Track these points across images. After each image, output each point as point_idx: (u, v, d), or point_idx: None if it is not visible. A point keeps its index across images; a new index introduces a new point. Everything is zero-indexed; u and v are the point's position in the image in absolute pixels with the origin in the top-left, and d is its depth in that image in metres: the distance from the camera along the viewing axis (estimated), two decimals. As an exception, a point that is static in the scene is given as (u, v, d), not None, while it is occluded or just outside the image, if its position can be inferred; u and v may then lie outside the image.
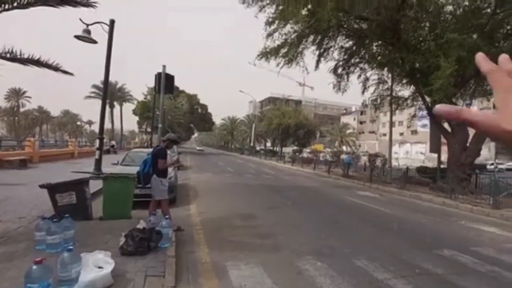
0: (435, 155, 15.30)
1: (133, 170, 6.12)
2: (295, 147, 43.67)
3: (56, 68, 5.24)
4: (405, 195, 11.91)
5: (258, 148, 50.33)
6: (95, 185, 6.65)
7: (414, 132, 53.66)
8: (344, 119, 74.26)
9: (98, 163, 8.90)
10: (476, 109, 0.43)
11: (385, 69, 15.46)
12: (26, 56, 4.67)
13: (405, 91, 15.65)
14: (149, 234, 3.62)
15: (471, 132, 12.49)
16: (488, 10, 11.28)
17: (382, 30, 12.57)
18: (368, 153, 23.60)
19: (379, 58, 14.43)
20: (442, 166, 15.27)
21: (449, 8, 11.84)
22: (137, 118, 42.92)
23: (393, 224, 6.89)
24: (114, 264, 2.89)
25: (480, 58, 0.42)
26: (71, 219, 3.77)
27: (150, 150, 7.50)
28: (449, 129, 13.05)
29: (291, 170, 23.49)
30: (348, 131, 59.80)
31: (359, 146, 61.03)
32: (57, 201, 4.62)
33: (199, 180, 12.11)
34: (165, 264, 3.35)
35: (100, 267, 2.80)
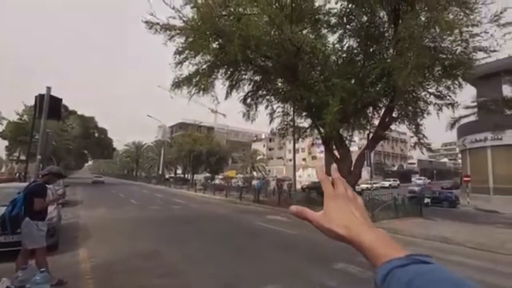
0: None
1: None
2: (207, 174, 43.14)
3: None
4: (307, 216, 13.10)
5: (167, 176, 47.34)
6: None
7: (314, 157, 61.23)
8: (255, 146, 78.73)
9: None
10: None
11: (288, 102, 17.45)
12: None
13: (305, 123, 17.90)
14: (12, 296, 2.75)
15: (354, 157, 15.12)
16: (359, 63, 14.36)
17: (283, 69, 14.26)
18: (277, 177, 25.39)
19: (282, 93, 16.20)
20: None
21: (333, 57, 14.50)
22: (5, 142, 34.37)
23: (295, 244, 7.41)
24: None
25: (319, 173, 0.59)
26: None
27: (23, 184, 5.98)
28: (338, 156, 15.40)
29: (203, 198, 22.86)
30: (258, 157, 63.26)
31: (269, 171, 65.21)
32: None
33: (92, 218, 10.35)
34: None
35: None
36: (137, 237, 8.04)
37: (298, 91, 13.59)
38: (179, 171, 51.08)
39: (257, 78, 16.88)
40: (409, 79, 10.22)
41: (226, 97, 15.86)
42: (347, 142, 16.11)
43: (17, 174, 26.19)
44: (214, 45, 12.19)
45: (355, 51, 14.47)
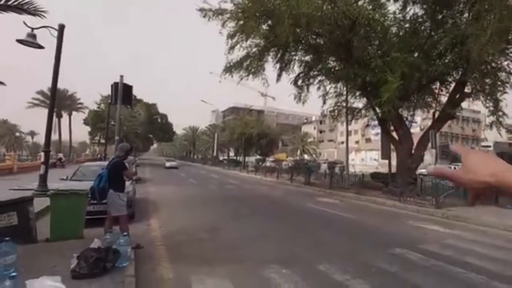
0: (386, 161, 16.64)
1: (85, 185, 5.66)
2: (258, 156, 44.18)
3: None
4: (361, 199, 12.68)
5: (221, 158, 49.84)
6: (40, 204, 6.02)
7: (368, 140, 57.79)
8: (305, 128, 77.28)
9: (43, 178, 8.05)
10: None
11: (340, 82, 16.60)
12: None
13: (359, 103, 16.91)
14: (105, 253, 3.37)
15: (415, 139, 13.88)
16: (425, 33, 12.80)
17: (336, 46, 13.50)
18: (328, 160, 24.83)
19: (334, 72, 15.44)
20: (392, 171, 16.63)
21: (394, 29, 13.17)
22: (88, 128, 39.93)
23: (351, 228, 7.30)
24: (65, 289, 2.63)
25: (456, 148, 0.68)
26: (12, 243, 3.35)
27: (105, 163, 7.01)
28: (397, 138, 14.31)
29: (255, 179, 23.63)
30: (309, 140, 62.18)
31: (320, 154, 63.84)
32: (-7, 223, 4.07)
33: (159, 194, 11.61)
34: (123, 285, 3.14)
35: (48, 294, 2.52)
36: (197, 212, 8.82)
37: (352, 69, 12.80)
38: (231, 154, 53.34)
39: (308, 58, 16.31)
40: (487, 47, 8.81)
41: (278, 80, 15.74)
42: (407, 122, 14.79)
43: (99, 155, 30.58)
44: (264, 26, 12.08)
45: (420, 19, 12.90)
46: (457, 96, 13.13)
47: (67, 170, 13.03)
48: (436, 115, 13.52)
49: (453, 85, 13.62)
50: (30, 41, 7.71)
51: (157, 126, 45.85)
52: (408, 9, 12.92)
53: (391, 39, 12.99)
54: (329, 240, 6.08)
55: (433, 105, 14.72)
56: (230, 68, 14.40)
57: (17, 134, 73.66)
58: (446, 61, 12.56)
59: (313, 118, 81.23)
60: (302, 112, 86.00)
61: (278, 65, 15.54)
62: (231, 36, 12.63)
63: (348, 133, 16.61)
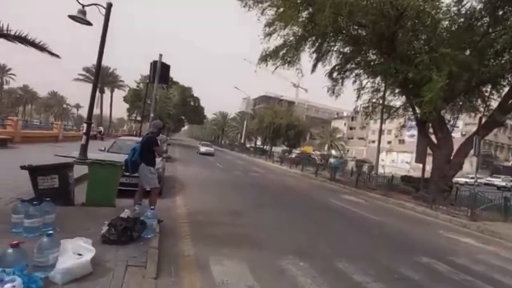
0: (420, 165, 15.70)
1: (120, 158, 5.99)
2: (284, 147, 43.93)
3: (42, 48, 5.04)
4: (389, 202, 12.16)
5: (248, 145, 50.27)
6: (79, 171, 6.48)
7: (402, 141, 54.87)
8: (335, 123, 75.15)
9: (84, 148, 8.61)
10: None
11: (379, 77, 15.74)
12: (13, 33, 4.48)
13: (397, 101, 15.98)
14: (133, 223, 3.56)
15: (456, 145, 12.89)
16: (481, 29, 11.61)
17: (378, 38, 12.74)
18: (356, 158, 24.05)
19: (373, 66, 14.64)
20: (425, 176, 15.69)
21: (445, 23, 12.11)
22: (127, 105, 42.09)
23: (375, 229, 7.04)
24: (95, 252, 2.82)
25: None
26: (52, 203, 3.66)
27: (139, 139, 7.36)
28: (435, 141, 13.39)
29: (280, 170, 23.60)
30: (338, 135, 60.44)
31: (347, 151, 61.95)
32: (38, 184, 4.47)
33: (186, 173, 12.01)
34: (147, 255, 3.30)
35: (79, 254, 2.72)
36: (221, 195, 9.02)
37: (394, 63, 12.04)
38: (258, 142, 53.55)
39: (346, 50, 15.62)
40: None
41: (313, 71, 15.31)
42: (449, 126, 13.73)
43: (134, 132, 32.36)
44: (304, 14, 11.67)
45: (478, 14, 11.70)
46: (510, 102, 11.90)
47: (106, 143, 13.89)
48: (483, 120, 12.39)
49: (506, 89, 12.35)
50: (81, 18, 8.12)
51: (189, 108, 47.12)
52: (464, 1, 11.76)
53: (441, 34, 11.96)
54: (350, 239, 5.92)
55: (481, 109, 13.49)
56: (265, 57, 14.24)
57: (64, 105, 79.92)
58: (503, 61, 11.41)
59: (344, 114, 78.57)
60: (334, 106, 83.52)
61: (314, 56, 15.10)
62: (269, 24, 12.42)
63: (381, 132, 15.85)
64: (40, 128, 21.12)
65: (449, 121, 13.86)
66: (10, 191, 5.27)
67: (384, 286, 3.70)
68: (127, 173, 4.97)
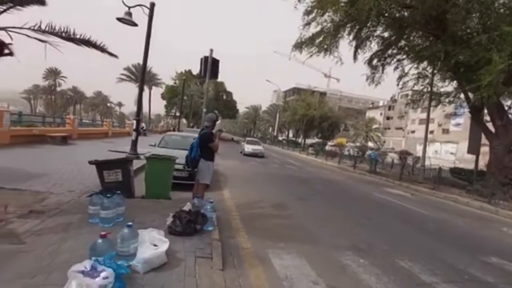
0: (467, 157, 14.45)
1: (171, 152, 6.27)
2: (318, 139, 43.03)
3: (102, 49, 5.34)
4: (438, 196, 11.39)
5: (280, 138, 50.04)
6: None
7: (446, 131, 50.90)
8: (370, 113, 71.79)
9: (134, 144, 9.19)
10: None
11: (425, 62, 14.61)
12: (78, 36, 4.81)
13: (446, 88, 14.74)
14: (195, 216, 3.69)
15: (518, 134, 11.60)
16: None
17: (426, 19, 11.76)
18: (394, 150, 22.80)
19: (419, 51, 13.58)
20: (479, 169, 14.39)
21: (503, -1, 10.79)
22: (164, 102, 43.96)
23: (430, 225, 6.63)
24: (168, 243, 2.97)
25: None
26: (122, 196, 3.92)
27: (184, 134, 7.61)
28: (493, 130, 12.18)
29: (315, 162, 23.19)
30: (374, 126, 57.71)
31: (384, 142, 58.96)
32: (104, 177, 4.81)
33: (226, 167, 12.23)
34: (211, 247, 3.41)
35: (155, 245, 2.88)
36: (263, 188, 9.09)
37: (444, 46, 11.04)
38: (290, 134, 53.04)
39: (387, 34, 14.69)
40: None
41: (355, 59, 14.64)
42: (509, 113, 12.37)
43: (172, 128, 33.81)
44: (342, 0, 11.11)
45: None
46: None
47: (149, 138, 14.69)
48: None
49: None
50: (128, 19, 8.54)
51: (222, 102, 47.97)
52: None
53: (500, 11, 10.70)
54: (406, 235, 5.63)
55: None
56: (300, 44, 13.86)
57: (108, 104, 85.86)
58: None
59: (380, 103, 74.66)
60: (368, 96, 79.73)
61: (354, 43, 14.39)
62: (308, 12, 12.05)
63: (428, 121, 14.75)
64: (92, 125, 22.88)
65: (509, 107, 12.48)
66: (80, 183, 5.76)
67: (456, 288, 3.46)
68: (189, 169, 5.10)
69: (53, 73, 70.47)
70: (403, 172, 15.10)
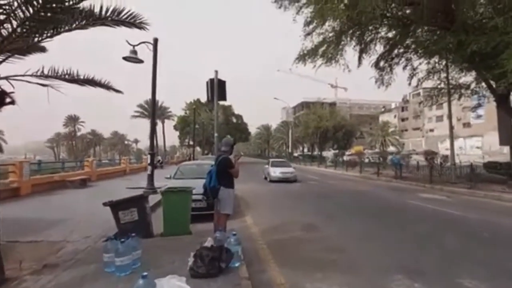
0: (495, 149, 13.43)
1: (186, 183, 5.97)
2: (334, 150, 42.04)
3: (108, 87, 5.28)
4: (478, 195, 10.43)
5: (295, 154, 49.31)
6: (150, 200, 6.62)
7: (467, 125, 48.63)
8: (383, 117, 70.13)
9: (151, 178, 9.02)
10: None
11: (436, 57, 14.09)
12: (82, 77, 4.76)
13: (464, 79, 14.05)
14: (219, 253, 3.28)
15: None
16: None
17: (432, 13, 11.41)
18: (423, 150, 21.74)
19: (428, 46, 13.12)
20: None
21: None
22: (177, 133, 44.74)
23: (482, 231, 5.85)
24: (190, 290, 2.57)
25: None
26: (137, 238, 3.59)
27: (199, 162, 7.29)
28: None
29: (335, 174, 22.37)
30: (390, 130, 56.08)
31: (403, 144, 56.91)
32: (119, 218, 4.53)
33: (245, 190, 11.81)
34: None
35: (176, 295, 2.49)
36: (287, 208, 8.57)
37: (456, 36, 10.55)
38: (305, 149, 52.25)
39: (392, 34, 14.38)
40: None
41: (359, 64, 14.35)
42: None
43: (187, 157, 34.09)
44: (342, 6, 10.99)
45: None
46: None
47: (166, 171, 14.54)
48: None
49: None
50: (133, 57, 8.69)
51: (232, 126, 48.24)
52: None
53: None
54: (458, 247, 4.91)
55: None
56: (303, 56, 13.74)
57: (126, 142, 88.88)
58: None
59: (392, 106, 73.07)
60: (378, 100, 78.49)
61: (358, 48, 14.15)
62: (308, 23, 12.03)
63: (451, 116, 13.95)
64: (110, 165, 23.28)
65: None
66: (97, 227, 5.51)
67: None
68: (208, 200, 4.66)
69: (72, 120, 74.18)
70: (432, 174, 14.14)
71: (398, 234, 5.70)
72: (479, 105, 14.39)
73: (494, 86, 11.83)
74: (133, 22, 4.38)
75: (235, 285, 3.03)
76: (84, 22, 3.92)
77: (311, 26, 12.18)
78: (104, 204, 4.52)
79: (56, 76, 4.40)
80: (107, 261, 3.42)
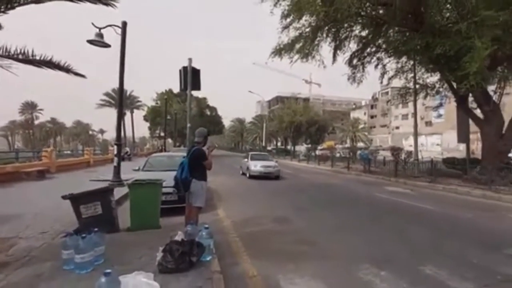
0: (453, 146, 14.54)
1: (156, 175, 5.71)
2: (307, 145, 42.96)
3: (67, 70, 4.84)
4: (437, 188, 11.18)
5: (269, 148, 49.68)
6: (116, 193, 6.26)
7: (429, 123, 52.08)
8: (354, 114, 73.02)
9: (117, 170, 8.54)
10: None
11: (404, 57, 14.75)
12: (38, 58, 4.31)
13: (430, 79, 14.89)
14: (190, 247, 3.15)
15: (507, 117, 11.68)
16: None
17: (402, 15, 11.86)
18: (389, 146, 22.86)
19: (398, 46, 13.68)
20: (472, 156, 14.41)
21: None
22: (147, 124, 43.02)
23: (442, 223, 6.26)
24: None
25: None
26: (101, 233, 3.35)
27: (169, 153, 7.00)
28: (481, 116, 12.23)
29: (308, 168, 22.86)
30: (360, 126, 58.49)
31: (371, 140, 59.75)
32: (81, 213, 4.21)
33: (218, 183, 11.65)
34: (212, 282, 2.88)
35: (142, 292, 2.34)
36: (260, 202, 8.56)
37: (424, 39, 11.08)
38: (278, 143, 52.86)
39: (365, 33, 14.80)
40: None
41: (334, 61, 14.60)
42: (494, 97, 12.47)
43: (159, 147, 32.94)
44: (319, 1, 11.05)
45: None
46: None
47: (134, 163, 13.93)
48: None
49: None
50: (99, 41, 8.07)
51: (206, 119, 47.33)
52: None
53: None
54: (420, 237, 5.20)
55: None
56: (280, 51, 13.70)
57: (90, 132, 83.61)
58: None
59: (363, 103, 76.17)
60: (349, 97, 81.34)
61: (333, 45, 14.38)
62: (285, 15, 11.93)
63: (416, 113, 14.73)
64: (72, 156, 21.81)
65: (495, 92, 12.61)
66: (55, 222, 5.09)
67: (495, 292, 3.04)
68: (180, 193, 4.47)
69: (29, 107, 68.28)
70: (398, 168, 14.95)
71: (367, 226, 5.91)
72: (440, 105, 15.40)
73: (455, 87, 12.63)
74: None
75: (207, 279, 2.93)
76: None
77: (288, 20, 12.13)
78: (64, 197, 4.17)
79: (8, 55, 3.93)
80: (66, 258, 3.16)
